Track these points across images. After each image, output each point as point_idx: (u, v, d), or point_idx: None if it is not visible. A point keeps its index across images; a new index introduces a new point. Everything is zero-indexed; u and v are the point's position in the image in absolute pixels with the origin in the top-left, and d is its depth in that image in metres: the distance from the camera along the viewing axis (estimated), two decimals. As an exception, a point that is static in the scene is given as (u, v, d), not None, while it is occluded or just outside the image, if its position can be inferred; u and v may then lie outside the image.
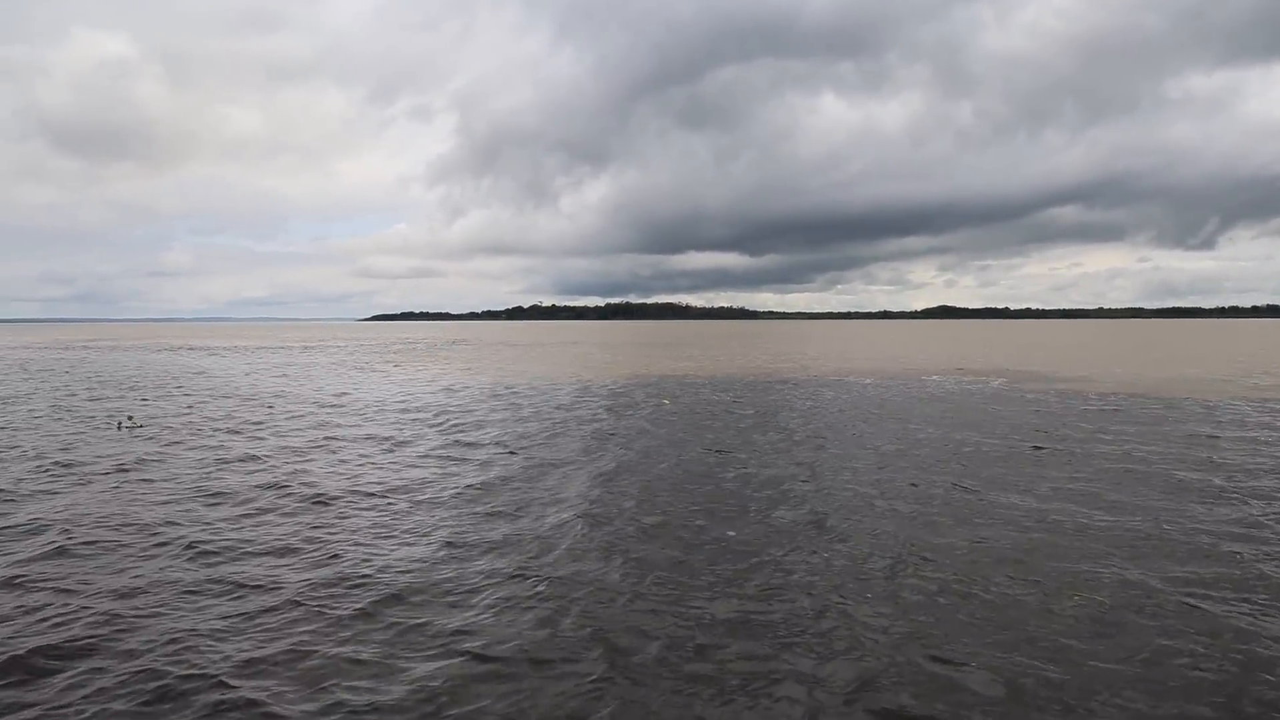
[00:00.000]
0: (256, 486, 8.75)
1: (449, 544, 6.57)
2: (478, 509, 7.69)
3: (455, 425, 13.49)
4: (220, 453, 10.76)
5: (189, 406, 16.41)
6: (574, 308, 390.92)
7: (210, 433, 12.58)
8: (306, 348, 49.66)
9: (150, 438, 12.01)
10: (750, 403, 16.99)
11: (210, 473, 9.40)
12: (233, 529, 6.99)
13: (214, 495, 8.29)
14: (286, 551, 6.37)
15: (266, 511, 7.65)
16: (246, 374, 26.44)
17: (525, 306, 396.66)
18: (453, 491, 8.45)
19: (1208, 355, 38.11)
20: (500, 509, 7.68)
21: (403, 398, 18.28)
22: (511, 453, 10.83)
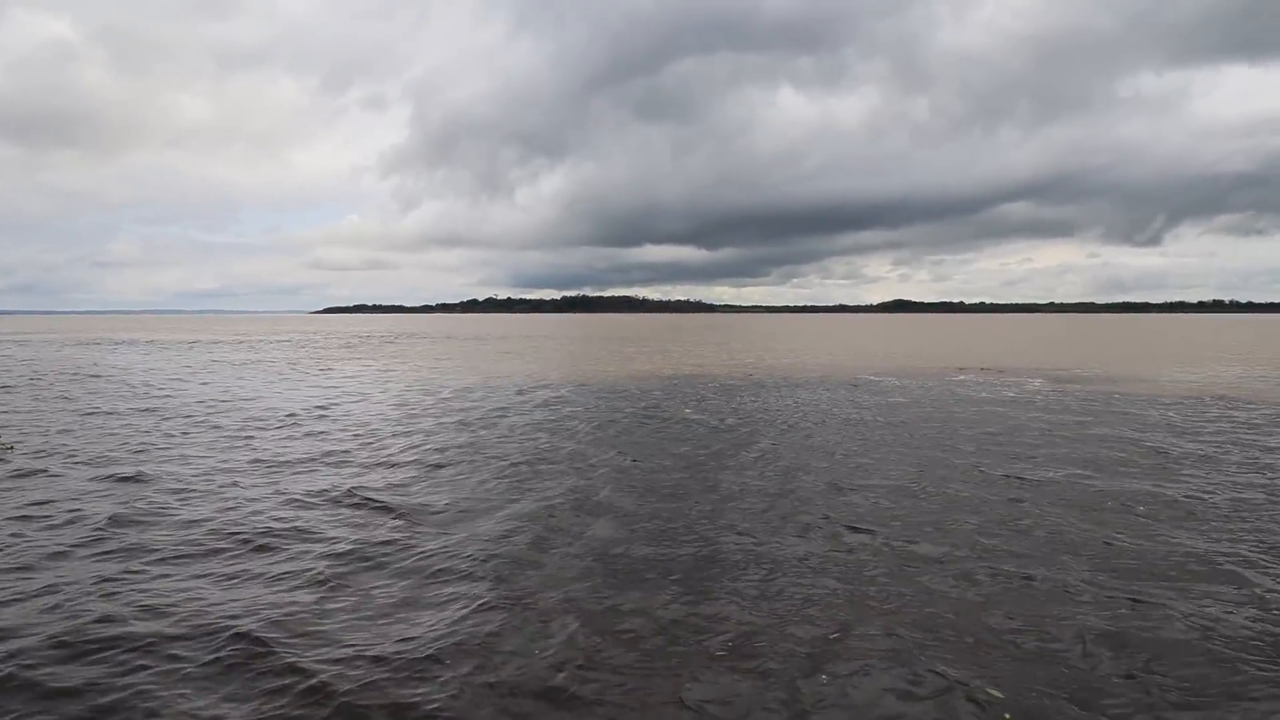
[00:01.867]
0: (118, 522, 7.09)
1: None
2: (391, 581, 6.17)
3: (389, 447, 11.83)
4: (101, 480, 8.91)
5: (86, 413, 14.33)
6: (530, 300, 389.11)
7: (98, 456, 10.60)
8: (240, 342, 46.83)
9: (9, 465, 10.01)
10: (756, 408, 15.62)
11: (77, 508, 7.59)
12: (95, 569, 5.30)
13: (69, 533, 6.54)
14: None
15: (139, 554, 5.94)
16: (174, 376, 24.06)
17: (480, 299, 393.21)
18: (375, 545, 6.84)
19: (1214, 349, 38.16)
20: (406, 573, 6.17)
21: (325, 403, 16.41)
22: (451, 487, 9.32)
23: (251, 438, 12.14)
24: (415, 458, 10.51)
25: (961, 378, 22.72)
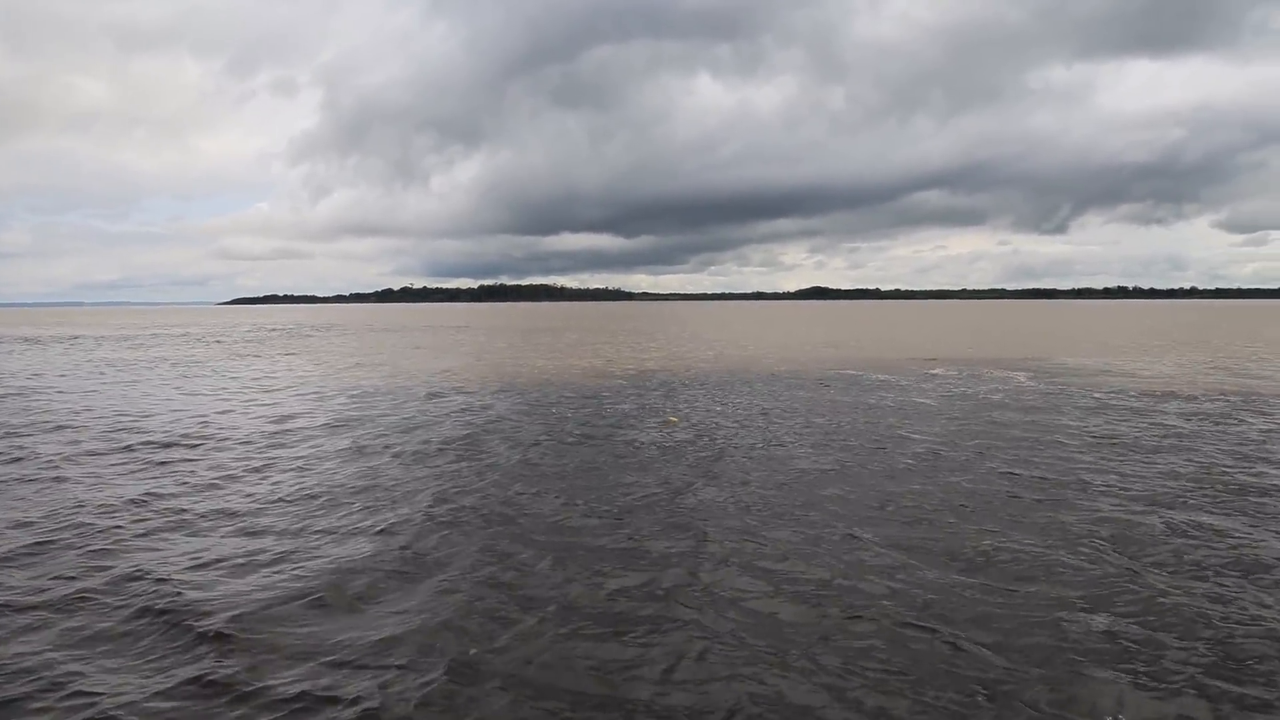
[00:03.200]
0: None
1: None
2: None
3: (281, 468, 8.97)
4: None
5: None
6: (446, 290, 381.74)
7: None
8: (128, 339, 41.62)
9: None
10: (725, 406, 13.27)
11: None
12: None
13: None
14: None
15: None
16: (26, 383, 20.01)
17: (395, 289, 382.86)
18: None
19: (1163, 335, 38.21)
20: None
21: (192, 420, 13.22)
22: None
23: (61, 475, 9.02)
24: (266, 524, 7.51)
25: (937, 371, 20.92)
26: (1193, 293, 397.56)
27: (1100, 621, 4.82)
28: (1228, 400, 14.59)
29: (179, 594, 5.37)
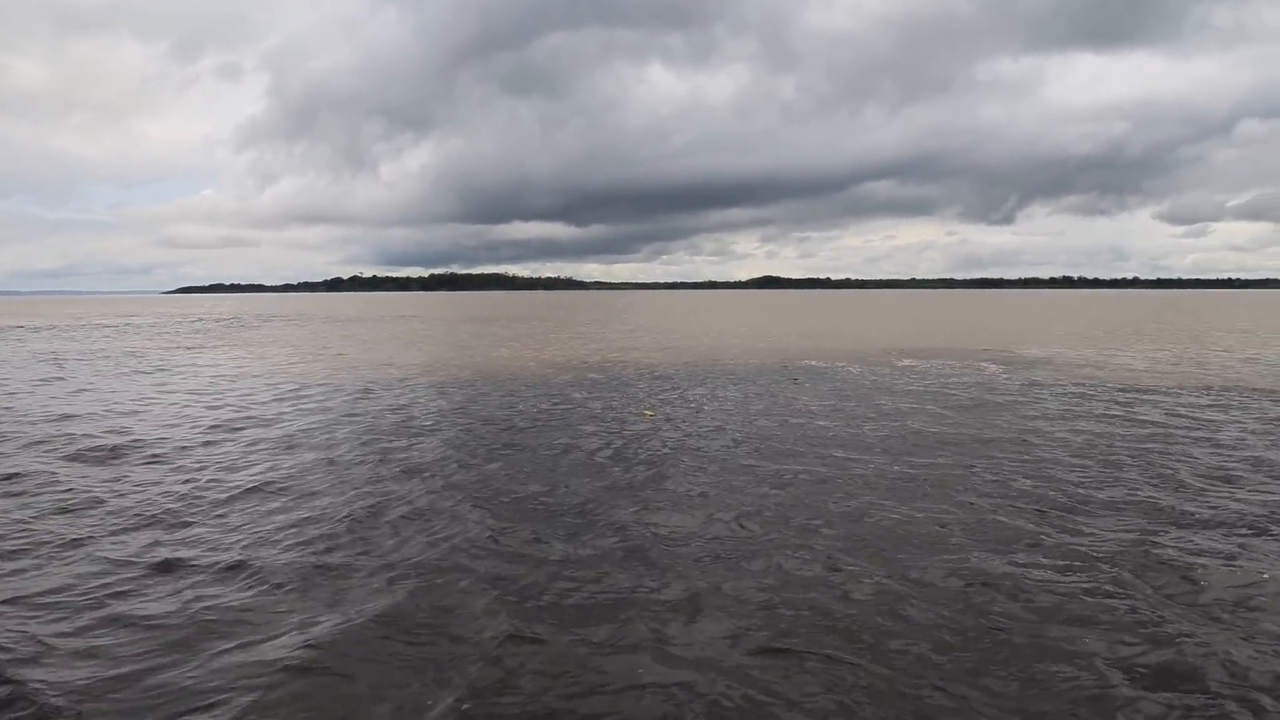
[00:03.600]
0: None
1: None
2: None
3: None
4: None
5: None
6: (396, 279, 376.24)
7: None
8: (67, 327, 39.58)
9: None
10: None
11: None
12: None
13: None
14: None
15: None
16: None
17: (345, 278, 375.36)
18: None
19: (1126, 324, 39.02)
20: None
21: (101, 425, 12.49)
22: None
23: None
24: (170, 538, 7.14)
25: (906, 363, 20.85)
26: (1135, 283, 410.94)
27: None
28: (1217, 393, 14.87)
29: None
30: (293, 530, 6.80)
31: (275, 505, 7.59)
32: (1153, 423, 11.62)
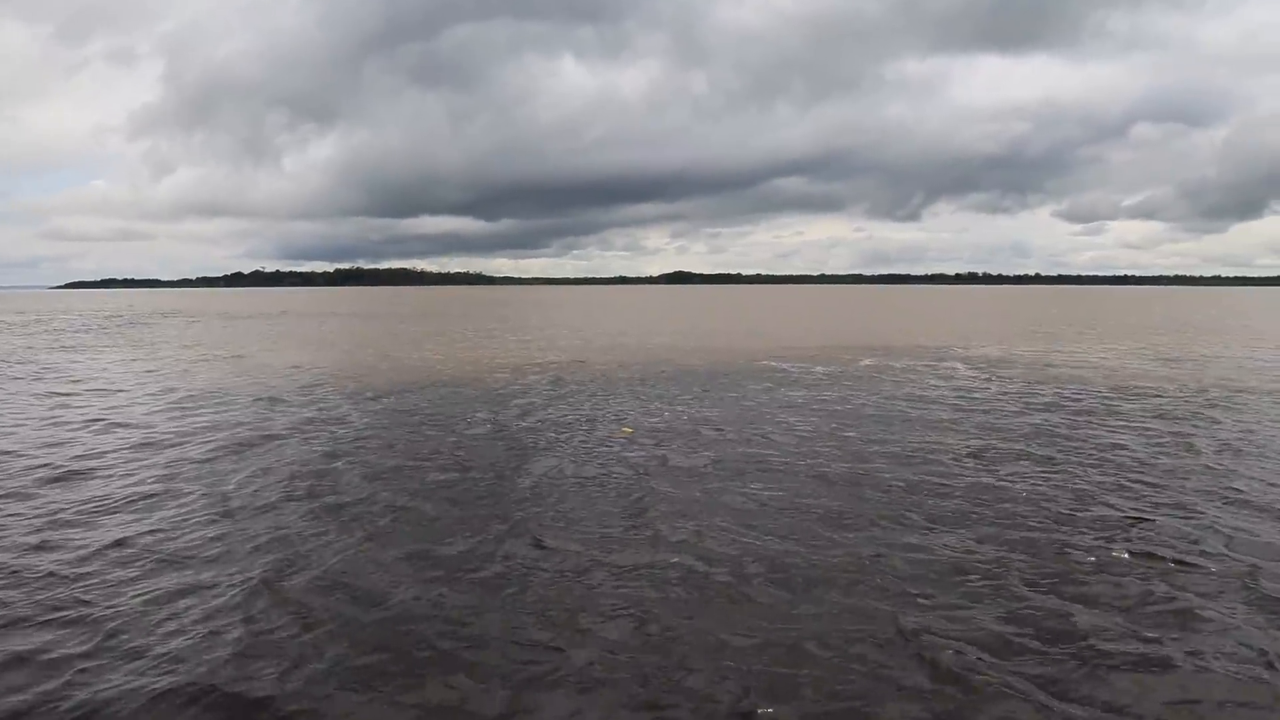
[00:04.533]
0: None
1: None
2: None
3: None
4: None
5: None
6: (301, 273, 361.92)
7: None
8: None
9: None
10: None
11: None
12: None
13: None
14: None
15: None
16: None
17: (246, 272, 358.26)
18: None
19: (1064, 320, 39.45)
20: None
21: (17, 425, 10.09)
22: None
23: None
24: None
25: (868, 362, 19.92)
26: (1037, 279, 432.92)
27: None
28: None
29: None
30: (171, 620, 4.95)
31: (136, 573, 5.67)
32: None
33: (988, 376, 16.90)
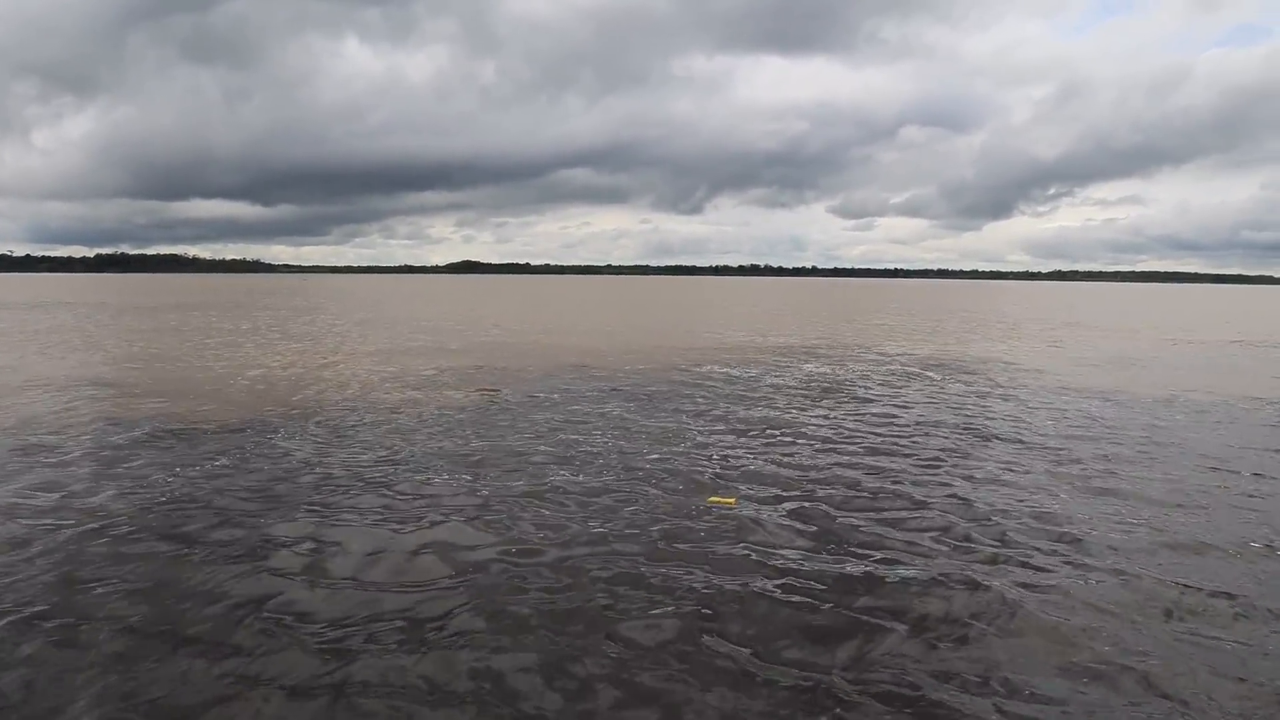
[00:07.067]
0: None
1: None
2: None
3: None
4: None
5: None
6: (56, 258, 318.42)
7: None
8: None
9: None
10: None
11: None
12: None
13: None
14: None
15: None
16: None
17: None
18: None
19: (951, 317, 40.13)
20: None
21: None
22: None
23: None
24: None
25: (809, 366, 18.05)
26: (814, 271, 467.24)
27: None
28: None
29: None
30: None
31: None
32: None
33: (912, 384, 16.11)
